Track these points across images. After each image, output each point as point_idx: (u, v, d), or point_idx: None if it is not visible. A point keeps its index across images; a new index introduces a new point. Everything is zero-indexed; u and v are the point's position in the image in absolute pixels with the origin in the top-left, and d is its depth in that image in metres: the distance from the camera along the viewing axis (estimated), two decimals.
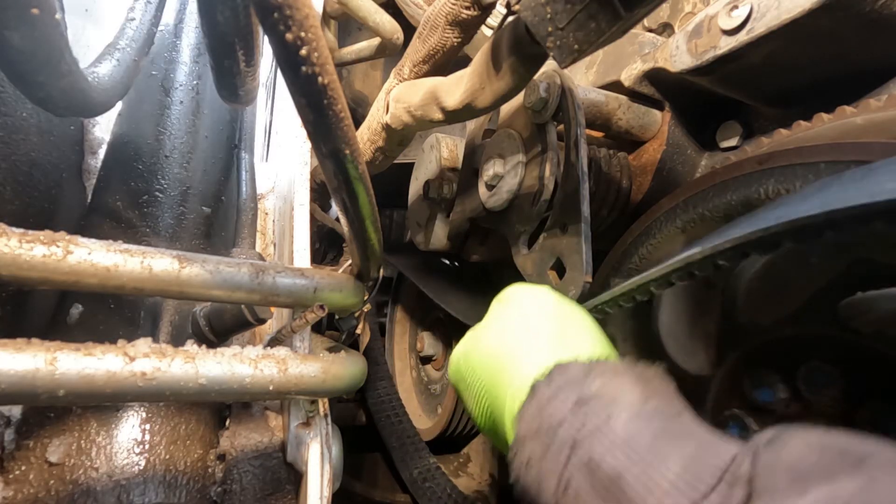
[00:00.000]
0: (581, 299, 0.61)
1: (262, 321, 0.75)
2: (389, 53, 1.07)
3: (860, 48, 0.58)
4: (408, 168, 1.01)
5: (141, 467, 0.66)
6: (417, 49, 0.65)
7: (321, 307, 0.63)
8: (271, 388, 0.60)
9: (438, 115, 0.63)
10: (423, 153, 0.98)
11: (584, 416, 0.40)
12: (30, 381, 0.45)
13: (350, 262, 0.71)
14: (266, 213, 1.16)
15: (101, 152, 0.93)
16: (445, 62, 0.66)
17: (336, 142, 0.45)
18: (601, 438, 0.38)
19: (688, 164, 0.76)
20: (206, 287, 0.57)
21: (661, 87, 0.74)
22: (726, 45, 0.60)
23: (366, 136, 0.78)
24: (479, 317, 0.60)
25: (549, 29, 0.44)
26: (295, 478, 0.76)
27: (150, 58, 0.90)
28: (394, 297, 1.43)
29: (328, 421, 0.75)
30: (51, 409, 0.66)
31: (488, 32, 0.78)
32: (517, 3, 0.48)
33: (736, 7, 0.59)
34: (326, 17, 1.07)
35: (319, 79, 0.39)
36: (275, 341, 0.72)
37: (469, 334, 0.60)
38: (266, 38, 0.37)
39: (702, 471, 0.32)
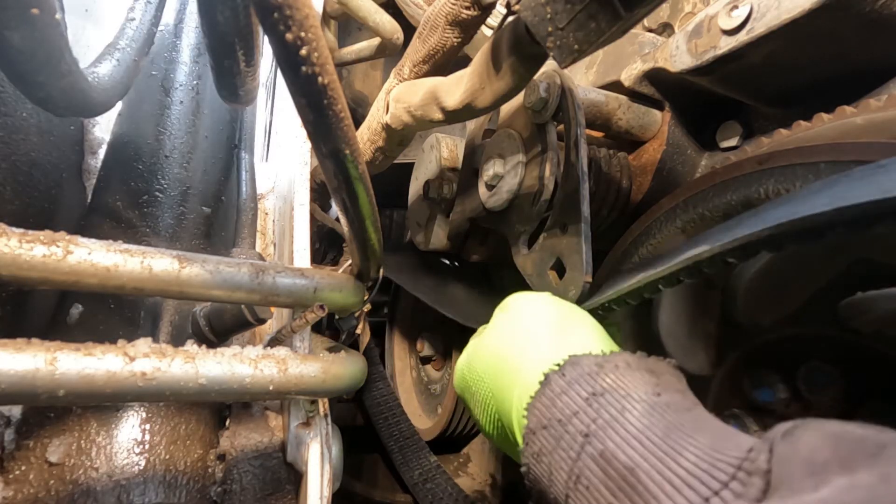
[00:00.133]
0: (582, 299, 0.61)
1: (262, 321, 0.75)
2: (389, 53, 1.07)
3: (860, 48, 0.58)
4: (408, 168, 1.01)
5: (141, 467, 0.66)
6: (417, 49, 0.65)
7: (321, 307, 0.63)
8: (271, 388, 0.60)
9: (438, 115, 0.63)
10: (423, 153, 0.98)
11: (598, 409, 0.40)
12: (30, 381, 0.45)
13: (350, 262, 0.71)
14: (266, 213, 1.16)
15: (101, 152, 0.93)
16: (445, 62, 0.66)
17: (336, 142, 0.45)
18: (616, 431, 0.37)
19: (688, 164, 0.76)
20: (206, 287, 0.57)
21: (661, 87, 0.74)
22: (726, 45, 0.60)
23: (366, 136, 0.78)
24: (477, 317, 0.60)
25: (549, 29, 0.44)
26: (295, 478, 0.76)
27: (150, 58, 0.90)
28: (394, 297, 1.43)
29: (328, 421, 0.75)
30: (51, 409, 0.66)
31: (488, 32, 0.78)
32: (517, 3, 0.48)
33: (736, 7, 0.59)
34: (326, 17, 1.07)
35: (319, 79, 0.39)
36: (275, 341, 0.72)
37: (471, 343, 0.60)
38: (266, 38, 0.37)
39: (718, 463, 0.32)
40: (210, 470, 0.73)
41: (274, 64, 1.21)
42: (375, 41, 1.07)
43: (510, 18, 0.53)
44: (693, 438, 0.34)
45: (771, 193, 0.54)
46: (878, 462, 0.26)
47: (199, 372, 0.54)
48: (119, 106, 0.88)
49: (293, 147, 0.94)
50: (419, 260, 1.07)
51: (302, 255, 0.81)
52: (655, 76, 0.72)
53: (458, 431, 1.19)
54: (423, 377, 1.33)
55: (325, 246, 1.26)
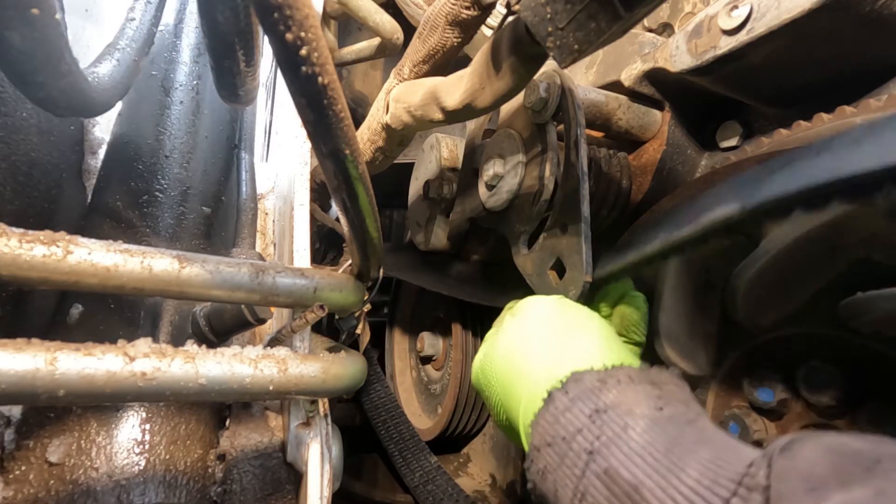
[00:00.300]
0: (582, 299, 0.61)
1: (262, 321, 0.75)
2: (389, 53, 1.07)
3: (860, 48, 0.58)
4: (408, 168, 1.01)
5: (141, 467, 0.66)
6: (417, 49, 0.65)
7: (321, 307, 0.63)
8: (271, 388, 0.60)
9: (438, 115, 0.63)
10: (423, 153, 0.98)
11: (601, 426, 0.40)
12: (30, 381, 0.45)
13: (350, 262, 0.71)
14: (266, 213, 1.16)
15: (101, 152, 0.93)
16: (445, 62, 0.66)
17: (336, 142, 0.45)
18: (619, 448, 0.38)
19: (688, 164, 0.76)
20: (206, 287, 0.57)
21: (661, 87, 0.74)
22: (726, 45, 0.60)
23: (366, 136, 0.78)
24: (481, 295, 0.60)
25: (549, 29, 0.44)
26: (295, 478, 0.76)
27: (150, 58, 0.90)
28: (394, 297, 1.43)
29: (328, 421, 0.75)
30: (51, 409, 0.66)
31: (488, 32, 0.78)
32: (517, 3, 0.48)
33: (736, 7, 0.59)
34: (326, 17, 1.07)
35: (319, 79, 0.39)
36: (275, 341, 0.72)
37: (485, 345, 0.61)
38: (266, 38, 0.37)
39: (719, 479, 0.32)
40: (210, 470, 0.73)
41: (274, 64, 1.21)
42: (375, 41, 1.07)
43: (510, 18, 0.53)
44: (695, 453, 0.35)
45: None
46: (873, 476, 0.27)
47: (199, 372, 0.54)
48: (119, 106, 0.88)
49: (293, 147, 0.94)
50: (419, 259, 1.07)
51: (302, 255, 0.81)
52: (655, 76, 0.72)
53: (458, 431, 1.19)
54: (423, 377, 1.33)
55: (325, 246, 1.26)
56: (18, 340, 0.45)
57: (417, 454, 1.10)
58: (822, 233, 0.52)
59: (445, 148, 0.93)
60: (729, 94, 0.69)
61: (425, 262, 1.06)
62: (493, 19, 0.66)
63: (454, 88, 0.60)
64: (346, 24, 1.40)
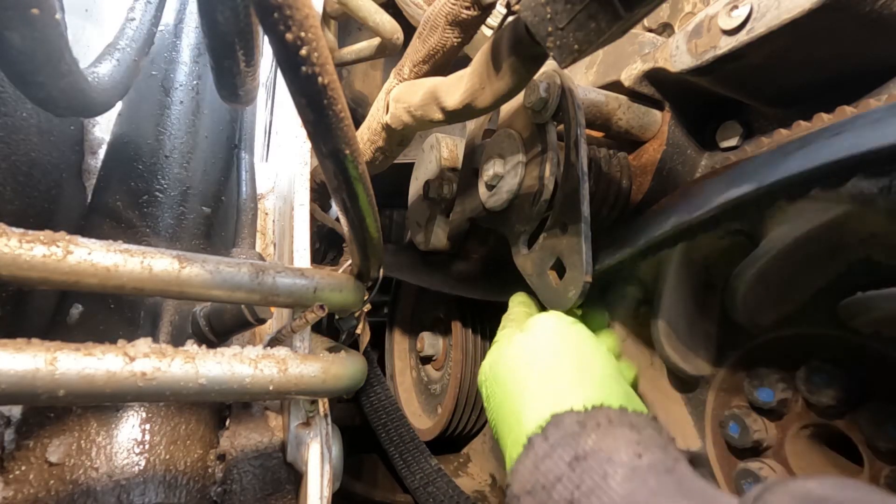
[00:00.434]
0: (582, 299, 0.61)
1: (262, 321, 0.75)
2: (389, 53, 1.07)
3: (860, 48, 0.58)
4: (408, 168, 1.01)
5: (141, 467, 0.66)
6: (417, 49, 0.65)
7: (321, 307, 0.63)
8: (271, 388, 0.60)
9: (438, 115, 0.63)
10: (423, 153, 0.98)
11: (581, 475, 0.40)
12: (30, 381, 0.45)
13: (350, 262, 0.71)
14: (266, 213, 1.16)
15: (101, 152, 0.93)
16: (445, 62, 0.66)
17: (336, 142, 0.45)
18: (599, 498, 0.38)
19: (688, 164, 0.76)
20: (206, 287, 0.57)
21: (661, 87, 0.74)
22: (726, 45, 0.60)
23: (366, 136, 0.78)
24: (482, 291, 0.59)
25: (549, 29, 0.44)
26: (295, 478, 0.76)
27: (150, 58, 0.90)
28: (394, 297, 1.43)
29: (328, 421, 0.75)
30: (51, 409, 0.66)
31: (488, 32, 0.78)
32: (517, 3, 0.48)
33: (736, 7, 0.59)
34: (326, 17, 1.07)
35: (319, 79, 0.39)
36: (275, 341, 0.72)
37: (490, 359, 0.61)
38: (266, 38, 0.37)
39: None
40: (210, 470, 0.73)
41: (274, 64, 1.22)
42: (375, 41, 1.07)
43: (510, 18, 0.53)
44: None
45: None
46: None
47: (199, 372, 0.54)
48: (119, 106, 0.88)
49: (293, 147, 0.94)
50: (419, 259, 1.07)
51: (302, 255, 0.81)
52: (655, 76, 0.72)
53: (458, 431, 1.19)
54: (423, 377, 1.33)
55: (325, 246, 1.26)
56: (18, 340, 0.45)
57: (418, 457, 1.10)
58: (822, 233, 0.52)
59: (445, 148, 0.93)
60: (729, 94, 0.69)
61: (425, 261, 1.06)
62: (493, 19, 0.66)
63: (454, 88, 0.60)
64: (346, 24, 1.40)
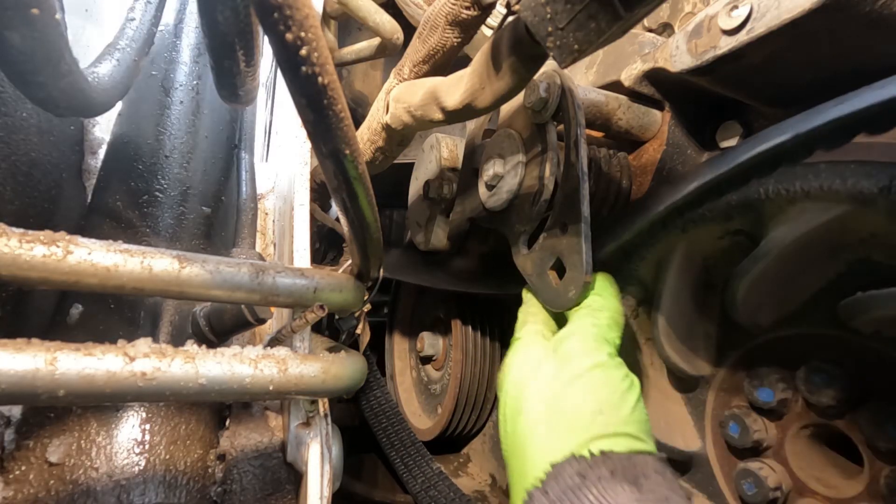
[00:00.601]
0: (582, 299, 0.61)
1: (262, 321, 0.75)
2: (389, 53, 1.07)
3: (860, 48, 0.58)
4: (408, 168, 1.01)
5: (141, 467, 0.66)
6: (417, 49, 0.65)
7: (321, 307, 0.63)
8: (271, 388, 0.60)
9: (438, 115, 0.63)
10: (423, 153, 0.98)
11: None
12: (30, 381, 0.45)
13: (350, 262, 0.71)
14: (266, 213, 1.16)
15: (101, 152, 0.93)
16: (445, 62, 0.66)
17: (336, 142, 0.45)
18: None
19: (688, 164, 0.76)
20: (206, 287, 0.57)
21: (661, 87, 0.74)
22: (726, 45, 0.60)
23: (366, 136, 0.78)
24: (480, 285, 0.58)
25: (549, 29, 0.44)
26: (295, 478, 0.76)
27: (150, 58, 0.90)
28: (394, 297, 1.43)
29: (328, 421, 0.75)
30: (51, 409, 0.66)
31: (488, 32, 0.78)
32: (517, 3, 0.48)
33: (736, 7, 0.59)
34: (326, 17, 1.07)
35: (319, 79, 0.39)
36: (275, 341, 0.71)
37: (515, 374, 0.58)
38: (266, 38, 0.37)
39: None
40: (210, 470, 0.73)
41: (274, 64, 1.22)
42: (375, 41, 1.07)
43: (510, 18, 0.53)
44: None
45: (771, 193, 0.54)
46: None
47: (199, 372, 0.54)
48: (119, 106, 0.88)
49: (293, 147, 0.94)
50: (419, 259, 1.07)
51: (302, 255, 0.81)
52: (655, 76, 0.72)
53: (458, 431, 1.19)
54: (423, 377, 1.33)
55: (325, 246, 1.26)
56: (18, 340, 0.45)
57: (419, 460, 1.10)
58: (822, 233, 0.52)
59: (445, 148, 0.93)
60: (729, 94, 0.69)
61: (425, 261, 1.06)
62: (493, 19, 0.66)
63: (454, 88, 0.59)
64: (346, 24, 1.40)
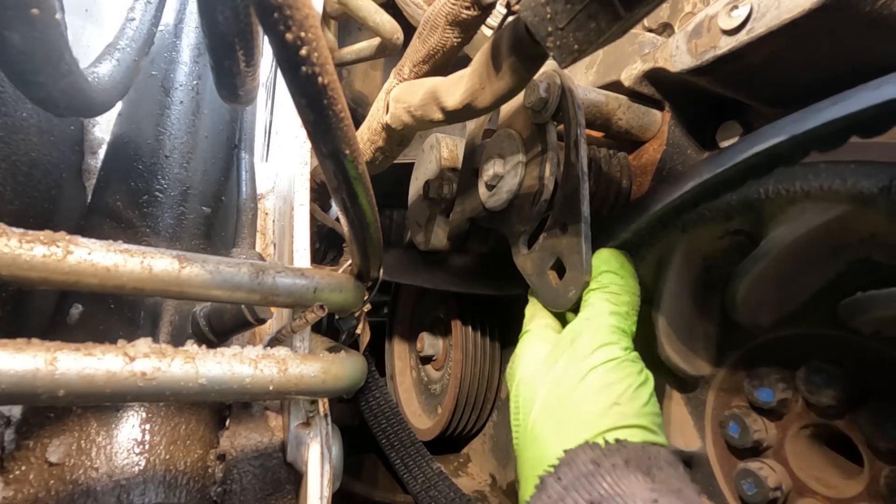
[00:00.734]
0: (582, 300, 0.61)
1: (262, 321, 0.75)
2: (389, 53, 1.07)
3: (860, 48, 0.58)
4: (408, 168, 1.01)
5: (141, 467, 0.66)
6: (417, 49, 0.65)
7: (321, 307, 0.63)
8: (271, 388, 0.60)
9: (438, 115, 0.63)
10: (423, 153, 0.98)
11: None
12: (30, 381, 0.45)
13: (350, 262, 0.71)
14: (266, 213, 1.16)
15: (101, 152, 0.93)
16: (445, 62, 0.66)
17: (336, 142, 0.45)
18: None
19: (688, 164, 0.76)
20: (206, 287, 0.57)
21: (661, 87, 0.74)
22: (726, 45, 0.60)
23: (366, 136, 0.78)
24: (478, 285, 0.58)
25: (549, 29, 0.44)
26: (295, 478, 0.76)
27: (150, 58, 0.90)
28: (394, 297, 1.43)
29: (328, 421, 0.75)
30: (51, 409, 0.66)
31: (488, 32, 0.78)
32: (517, 3, 0.48)
33: (736, 7, 0.59)
34: (326, 17, 1.07)
35: (319, 79, 0.39)
36: (275, 341, 0.71)
37: (526, 366, 0.58)
38: (266, 38, 0.37)
39: None
40: (210, 470, 0.73)
41: (274, 64, 1.22)
42: (375, 41, 1.07)
43: (510, 18, 0.53)
44: None
45: (771, 193, 0.54)
46: None
47: (199, 372, 0.54)
48: (119, 106, 0.88)
49: (293, 147, 0.94)
50: (419, 259, 1.07)
51: (302, 255, 0.81)
52: (655, 76, 0.72)
53: (458, 431, 1.18)
54: (423, 377, 1.33)
55: (325, 246, 1.26)
56: (18, 340, 0.45)
57: (419, 460, 1.10)
58: (822, 233, 0.52)
59: (445, 148, 0.93)
60: (729, 94, 0.69)
61: (425, 261, 1.06)
62: (493, 19, 0.66)
63: (454, 88, 0.59)
64: (346, 24, 1.40)
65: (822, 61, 0.60)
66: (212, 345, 0.66)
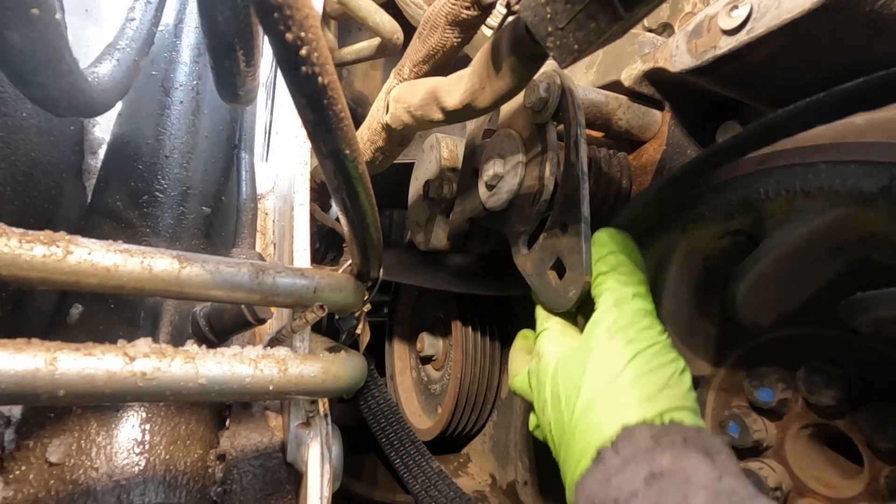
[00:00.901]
0: (581, 300, 0.61)
1: (262, 321, 0.75)
2: (389, 53, 1.07)
3: (860, 48, 0.58)
4: (408, 168, 1.01)
5: (141, 467, 0.66)
6: (417, 49, 0.65)
7: (321, 307, 0.63)
8: (271, 388, 0.60)
9: (438, 115, 0.63)
10: (423, 153, 0.98)
11: (659, 493, 0.39)
12: (30, 381, 0.45)
13: (350, 262, 0.71)
14: (266, 213, 1.16)
15: (101, 152, 0.93)
16: (445, 62, 0.66)
17: (336, 142, 0.44)
18: None
19: None
20: (206, 287, 0.57)
21: (661, 87, 0.74)
22: (726, 45, 0.60)
23: (366, 136, 0.78)
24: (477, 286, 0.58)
25: (549, 29, 0.44)
26: (295, 478, 0.76)
27: (150, 58, 0.90)
28: (394, 297, 1.43)
29: (328, 421, 0.75)
30: (51, 409, 0.66)
31: (488, 32, 0.78)
32: (517, 3, 0.48)
33: (736, 7, 0.59)
34: (326, 17, 1.07)
35: (319, 79, 0.39)
36: (275, 341, 0.71)
37: (561, 357, 0.57)
38: (266, 38, 0.37)
39: None
40: (210, 470, 0.73)
41: (274, 64, 1.22)
42: (375, 41, 1.07)
43: (510, 18, 0.53)
44: None
45: (771, 193, 0.54)
46: None
47: (199, 372, 0.54)
48: (119, 106, 0.88)
49: (293, 147, 0.94)
50: (419, 259, 1.07)
51: (302, 255, 0.81)
52: (655, 76, 0.72)
53: (458, 431, 1.18)
54: (423, 377, 1.33)
55: (325, 246, 1.26)
56: (18, 340, 0.45)
57: (419, 459, 1.10)
58: (822, 233, 0.52)
59: (445, 148, 0.93)
60: (729, 94, 0.69)
61: (425, 261, 1.06)
62: (493, 19, 0.66)
63: (454, 88, 0.60)
64: (346, 24, 1.40)
65: (822, 61, 0.61)
66: (212, 345, 0.66)
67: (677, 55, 0.66)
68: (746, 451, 0.62)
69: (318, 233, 1.21)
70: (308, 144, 0.89)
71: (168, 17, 0.98)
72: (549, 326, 0.63)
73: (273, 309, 0.82)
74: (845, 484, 0.55)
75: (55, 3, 0.45)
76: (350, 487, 1.29)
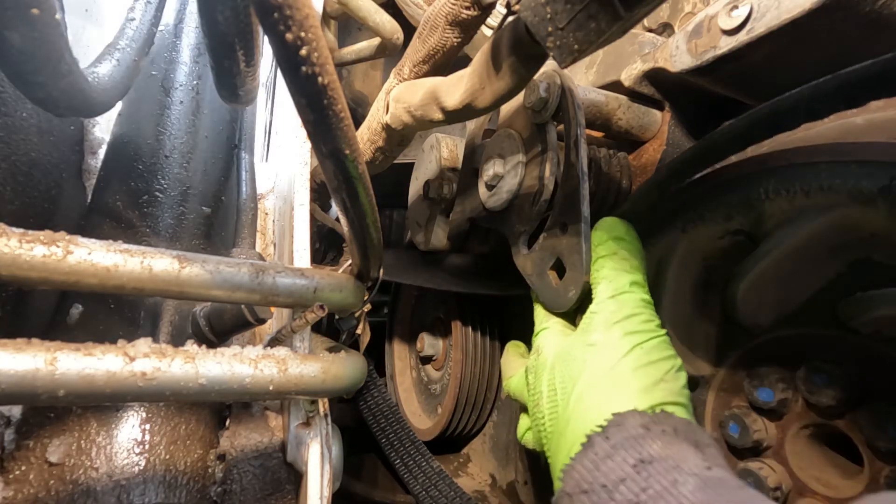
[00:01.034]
0: (581, 300, 0.61)
1: (262, 321, 0.75)
2: (389, 53, 1.07)
3: (860, 48, 0.58)
4: (408, 168, 1.01)
5: (141, 467, 0.66)
6: (417, 49, 0.65)
7: (321, 307, 0.63)
8: (271, 388, 0.60)
9: (438, 115, 0.63)
10: (423, 153, 0.98)
11: (648, 479, 0.39)
12: (30, 381, 0.44)
13: (350, 262, 0.71)
14: (266, 213, 1.16)
15: (101, 152, 0.93)
16: (445, 62, 0.66)
17: (336, 142, 0.44)
18: (668, 502, 0.37)
19: None
20: (206, 287, 0.57)
21: (661, 87, 0.74)
22: (726, 45, 0.60)
23: (366, 136, 0.78)
24: (477, 285, 0.58)
25: (549, 29, 0.44)
26: (295, 478, 0.76)
27: (150, 58, 0.90)
28: (394, 297, 1.43)
29: (328, 421, 0.75)
30: (51, 409, 0.66)
31: (488, 32, 0.78)
32: (517, 3, 0.48)
33: (736, 7, 0.59)
34: (326, 17, 1.07)
35: (319, 79, 0.39)
36: (275, 341, 0.71)
37: (560, 349, 0.57)
38: (266, 38, 0.37)
39: None
40: (210, 470, 0.73)
41: (274, 64, 1.22)
42: (375, 41, 1.07)
43: (510, 18, 0.53)
44: None
45: (771, 193, 0.54)
46: None
47: (199, 372, 0.54)
48: (119, 106, 0.88)
49: (293, 147, 0.94)
50: (419, 259, 1.07)
51: (302, 255, 0.81)
52: (655, 76, 0.72)
53: (458, 431, 1.19)
54: (423, 377, 1.33)
55: (325, 246, 1.26)
56: (18, 340, 0.45)
57: (419, 459, 1.10)
58: (822, 233, 0.52)
59: (445, 148, 0.93)
60: (729, 94, 0.69)
61: (425, 261, 1.06)
62: (493, 19, 0.66)
63: (454, 88, 0.60)
64: (346, 24, 1.40)
65: (822, 61, 0.61)
66: (212, 345, 0.66)
67: (677, 55, 0.66)
68: (746, 451, 0.62)
69: (318, 233, 1.21)
70: (308, 144, 0.89)
71: (168, 17, 0.98)
72: (549, 326, 0.63)
73: (273, 309, 0.82)
74: (845, 484, 0.55)
75: (55, 3, 0.45)
76: (350, 487, 1.29)
